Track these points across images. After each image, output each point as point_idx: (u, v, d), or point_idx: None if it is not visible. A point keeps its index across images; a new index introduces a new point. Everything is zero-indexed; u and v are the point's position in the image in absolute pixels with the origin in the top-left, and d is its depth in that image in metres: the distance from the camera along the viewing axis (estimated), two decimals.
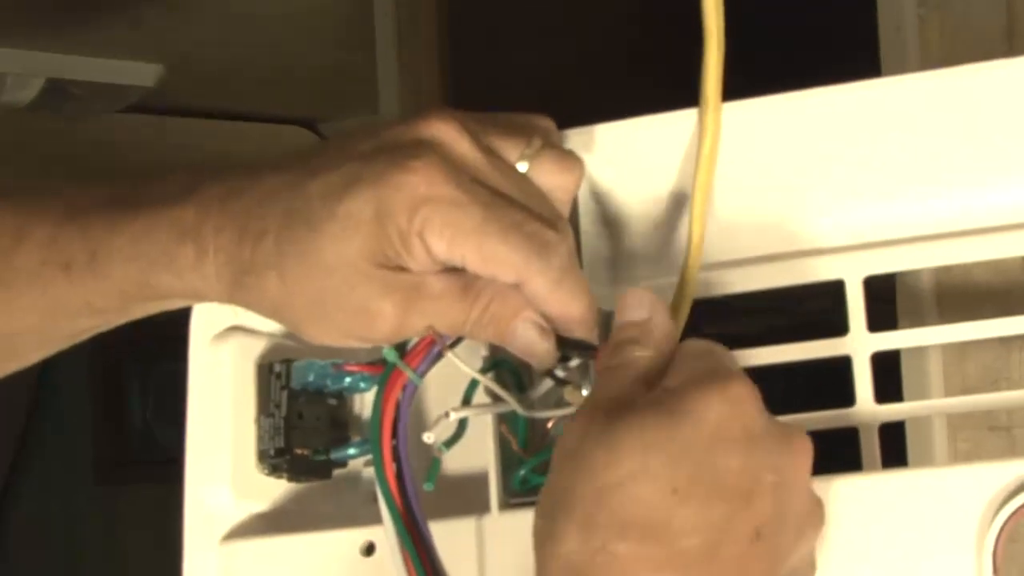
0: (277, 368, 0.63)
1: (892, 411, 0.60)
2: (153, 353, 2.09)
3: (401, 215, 0.52)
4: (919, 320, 0.80)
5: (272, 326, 0.64)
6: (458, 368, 0.56)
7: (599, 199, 0.63)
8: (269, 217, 0.54)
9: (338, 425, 0.65)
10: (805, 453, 0.50)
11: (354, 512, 0.64)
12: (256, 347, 0.65)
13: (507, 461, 0.60)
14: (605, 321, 0.55)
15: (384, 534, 0.56)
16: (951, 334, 0.61)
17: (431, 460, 0.58)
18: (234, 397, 0.64)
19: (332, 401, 0.64)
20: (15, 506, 2.19)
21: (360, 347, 0.56)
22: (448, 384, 0.59)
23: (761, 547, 0.48)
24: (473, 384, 0.59)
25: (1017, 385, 0.82)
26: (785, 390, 0.61)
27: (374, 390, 0.57)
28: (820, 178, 0.61)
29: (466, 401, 0.59)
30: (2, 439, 2.17)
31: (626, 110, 0.63)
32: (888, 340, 0.60)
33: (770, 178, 0.62)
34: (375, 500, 0.56)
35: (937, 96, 0.59)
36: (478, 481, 0.61)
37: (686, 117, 0.61)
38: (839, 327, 0.60)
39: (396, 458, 0.56)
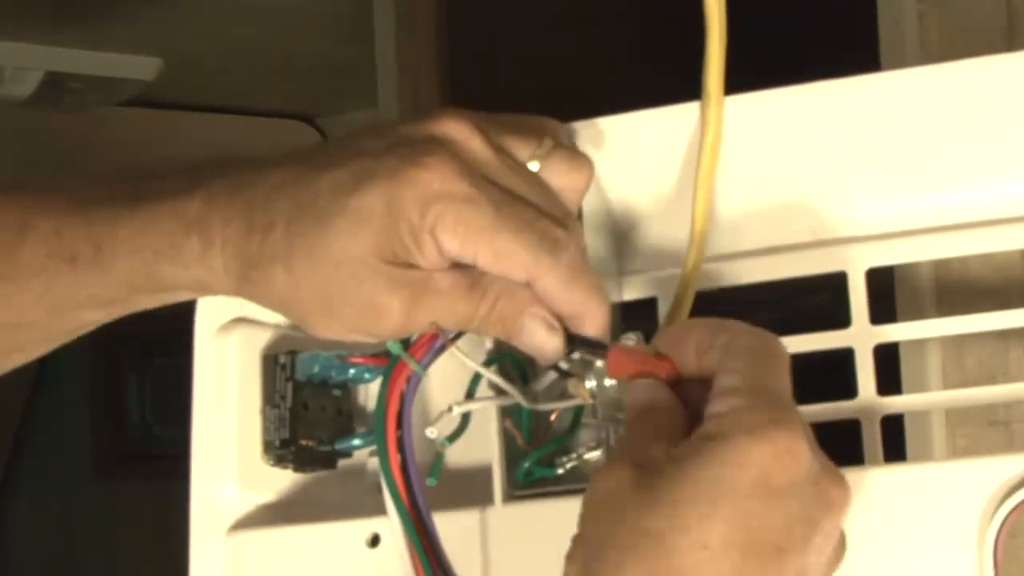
0: (282, 359, 0.63)
1: (894, 404, 0.61)
2: (152, 348, 2.09)
3: (413, 211, 0.52)
4: (919, 317, 0.80)
5: (277, 317, 0.64)
6: (462, 361, 0.56)
7: (602, 191, 0.63)
8: (277, 210, 0.54)
9: (343, 416, 0.65)
10: (842, 505, 0.48)
11: (359, 502, 0.64)
12: (261, 338, 0.65)
13: (511, 453, 0.60)
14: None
15: (389, 525, 0.56)
16: (953, 326, 0.61)
17: (434, 455, 0.58)
18: (239, 388, 0.64)
19: (337, 392, 0.64)
20: (13, 500, 2.19)
21: (366, 342, 0.56)
22: (451, 378, 0.60)
23: None
24: (476, 378, 0.59)
25: (1015, 380, 0.82)
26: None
27: (378, 381, 0.57)
28: (822, 171, 0.61)
29: (469, 395, 0.59)
30: (0, 433, 2.17)
31: (627, 105, 0.63)
32: (891, 332, 0.61)
33: (772, 171, 0.62)
34: (380, 490, 0.56)
35: (938, 90, 0.59)
36: (482, 473, 0.61)
37: (688, 110, 0.61)
38: (838, 323, 0.61)
39: (400, 449, 0.56)
